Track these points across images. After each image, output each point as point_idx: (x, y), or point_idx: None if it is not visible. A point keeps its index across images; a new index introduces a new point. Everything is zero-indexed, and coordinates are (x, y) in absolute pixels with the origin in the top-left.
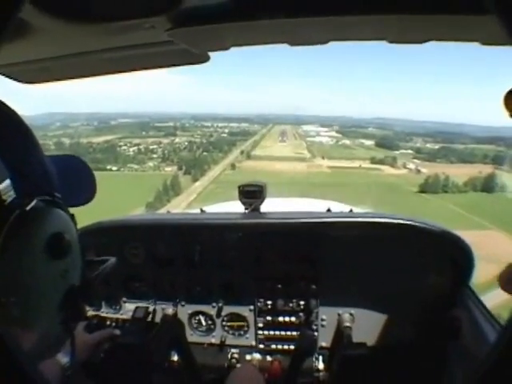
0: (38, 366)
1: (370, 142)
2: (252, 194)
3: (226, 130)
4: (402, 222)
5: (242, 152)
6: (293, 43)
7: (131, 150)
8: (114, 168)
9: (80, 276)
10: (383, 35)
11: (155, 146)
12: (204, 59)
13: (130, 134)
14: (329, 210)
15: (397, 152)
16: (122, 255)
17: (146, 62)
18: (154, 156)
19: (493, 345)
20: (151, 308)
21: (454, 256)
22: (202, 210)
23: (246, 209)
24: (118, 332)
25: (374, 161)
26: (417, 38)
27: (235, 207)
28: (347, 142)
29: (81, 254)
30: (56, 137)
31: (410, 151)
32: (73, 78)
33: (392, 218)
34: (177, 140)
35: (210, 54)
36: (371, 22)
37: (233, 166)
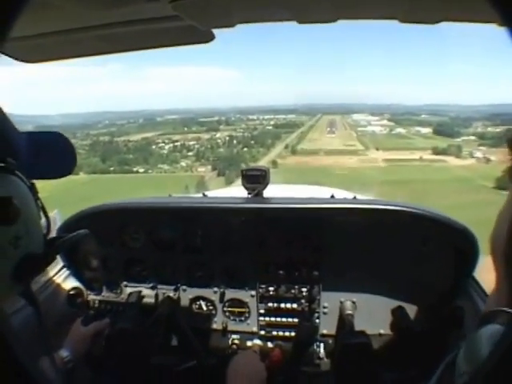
0: (38, 361)
1: (426, 130)
2: (255, 179)
3: (272, 123)
4: (406, 209)
5: (286, 146)
6: (301, 20)
7: (167, 147)
8: (142, 170)
9: (41, 245)
10: (394, 14)
11: (193, 143)
12: (208, 38)
13: (171, 131)
14: (332, 197)
15: (458, 139)
16: (123, 239)
17: (148, 39)
18: (189, 154)
19: (496, 343)
20: (150, 292)
21: (458, 245)
22: (204, 195)
23: (248, 194)
24: (114, 319)
25: (436, 151)
26: (429, 18)
27: (238, 192)
28: (402, 130)
29: (46, 224)
30: (97, 135)
31: (472, 137)
32: (71, 57)
33: (396, 205)
34: (218, 135)
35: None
36: None
37: (274, 164)
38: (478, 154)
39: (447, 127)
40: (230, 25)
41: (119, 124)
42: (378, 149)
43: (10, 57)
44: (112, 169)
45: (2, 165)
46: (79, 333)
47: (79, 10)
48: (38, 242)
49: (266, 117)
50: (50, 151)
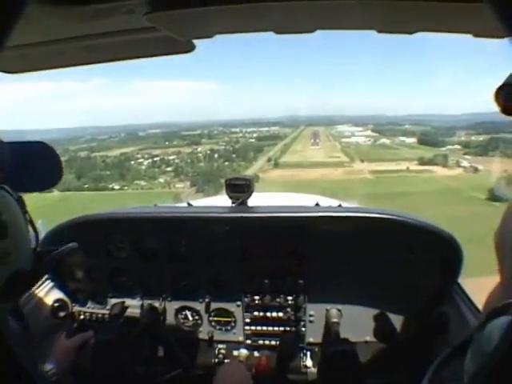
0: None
1: (411, 140)
2: (239, 188)
3: (255, 135)
4: (390, 217)
5: (269, 159)
6: (278, 31)
7: (145, 162)
8: (117, 186)
9: (29, 260)
10: (371, 25)
11: (173, 157)
12: (189, 48)
13: (151, 145)
14: (317, 205)
15: (443, 149)
16: (108, 249)
17: (129, 50)
18: (168, 169)
19: (497, 344)
20: (136, 303)
21: (443, 252)
22: (189, 204)
23: (233, 203)
24: (102, 329)
25: (422, 161)
26: (406, 29)
27: (222, 201)
28: (386, 141)
29: (34, 239)
30: (76, 151)
31: (457, 146)
32: (53, 68)
33: (380, 213)
34: (199, 149)
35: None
36: (360, 9)
37: (256, 178)
38: (465, 163)
39: (431, 137)
40: (208, 35)
41: (100, 139)
42: (363, 160)
43: None
44: (86, 186)
45: None
46: (64, 345)
47: (59, 22)
48: (27, 257)
49: (249, 129)
50: (35, 162)
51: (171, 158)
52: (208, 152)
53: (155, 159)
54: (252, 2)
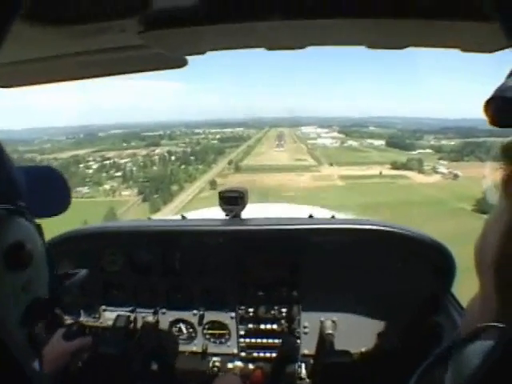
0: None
1: (379, 143)
2: (233, 201)
3: (218, 136)
4: (383, 228)
5: (229, 162)
6: (270, 47)
7: (95, 166)
8: None
9: (47, 288)
10: (361, 40)
11: (127, 160)
12: (181, 64)
13: (108, 147)
14: (311, 216)
15: (414, 152)
16: (100, 262)
17: (122, 66)
18: (118, 174)
19: (490, 349)
20: (132, 316)
21: (436, 263)
22: (182, 217)
23: (226, 215)
24: (97, 341)
25: (395, 166)
26: (397, 44)
27: (216, 213)
28: (354, 143)
29: (49, 266)
30: (24, 153)
31: (429, 150)
32: (46, 83)
33: (374, 224)
34: (157, 151)
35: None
36: (349, 26)
37: (213, 185)
38: (443, 169)
39: (399, 139)
40: (200, 52)
41: (56, 140)
42: (331, 164)
43: None
44: None
45: (13, 208)
46: (59, 347)
47: (52, 39)
48: (45, 285)
49: (213, 130)
50: (43, 187)
51: (124, 161)
52: (165, 154)
53: (106, 162)
54: (244, 22)
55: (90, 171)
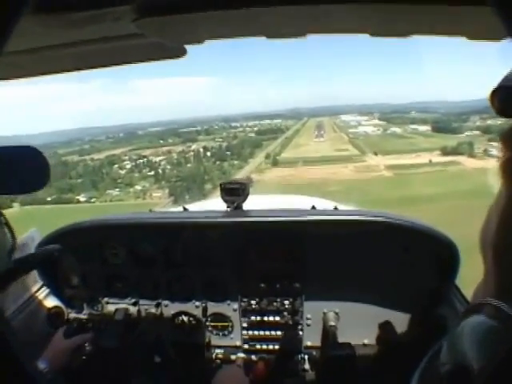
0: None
1: (424, 128)
2: (234, 192)
3: (255, 129)
4: (386, 220)
5: (267, 156)
6: (270, 35)
7: (129, 165)
8: (83, 198)
9: (4, 261)
10: (364, 28)
11: (162, 158)
12: (180, 53)
13: (145, 144)
14: (313, 208)
15: (463, 135)
16: (103, 255)
17: (118, 56)
18: (150, 174)
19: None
20: (132, 309)
21: (439, 254)
22: (184, 209)
23: (228, 207)
24: (97, 335)
25: (445, 151)
26: (400, 32)
27: (218, 205)
28: (397, 129)
29: (12, 240)
30: (64, 155)
31: (476, 132)
32: (45, 74)
33: (376, 215)
34: (193, 147)
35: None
36: (352, 12)
37: (249, 181)
38: (495, 152)
39: (445, 123)
40: (198, 41)
41: (97, 140)
42: (376, 153)
43: None
44: (50, 198)
45: None
46: (60, 345)
47: (47, 29)
48: (1, 259)
49: (250, 123)
50: (22, 166)
51: (159, 159)
52: (201, 150)
53: (140, 161)
54: (241, 8)
55: (123, 172)
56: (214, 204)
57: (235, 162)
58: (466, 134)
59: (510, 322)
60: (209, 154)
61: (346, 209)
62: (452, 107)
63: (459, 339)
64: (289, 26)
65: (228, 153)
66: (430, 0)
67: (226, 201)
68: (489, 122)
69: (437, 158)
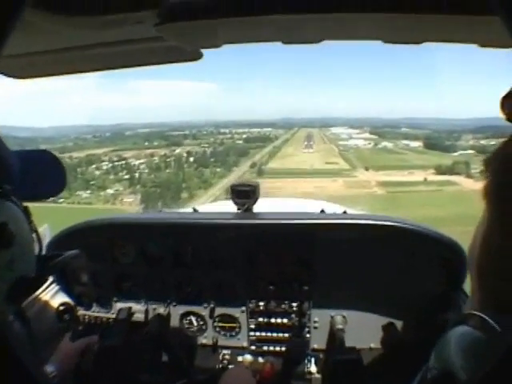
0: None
1: (416, 144)
2: (245, 194)
3: (244, 136)
4: (395, 224)
5: (252, 165)
6: (286, 41)
7: (106, 167)
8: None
9: (33, 266)
10: (378, 35)
11: (142, 161)
12: (196, 57)
13: (128, 146)
14: (322, 211)
15: (455, 154)
16: (113, 254)
17: (136, 58)
18: (126, 177)
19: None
20: (140, 308)
21: (447, 259)
22: (194, 210)
23: (238, 209)
24: (102, 336)
25: (440, 170)
26: (413, 39)
27: (228, 207)
28: (388, 144)
29: (39, 247)
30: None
31: (471, 151)
32: (61, 74)
33: (385, 220)
34: (177, 151)
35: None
36: (366, 21)
37: (228, 193)
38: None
39: (437, 141)
40: (216, 45)
41: (82, 138)
42: (367, 168)
43: (2, 73)
44: None
45: None
46: (67, 348)
47: (69, 31)
48: (31, 264)
49: (239, 130)
50: (39, 171)
51: (139, 162)
52: (184, 155)
53: (119, 163)
54: (260, 15)
55: (98, 173)
56: (224, 206)
57: (217, 170)
58: (460, 152)
59: (495, 333)
60: (192, 159)
61: (356, 213)
62: (442, 124)
63: (447, 347)
64: (305, 33)
65: (212, 159)
66: (442, 9)
67: (236, 203)
68: (482, 142)
69: (432, 176)
